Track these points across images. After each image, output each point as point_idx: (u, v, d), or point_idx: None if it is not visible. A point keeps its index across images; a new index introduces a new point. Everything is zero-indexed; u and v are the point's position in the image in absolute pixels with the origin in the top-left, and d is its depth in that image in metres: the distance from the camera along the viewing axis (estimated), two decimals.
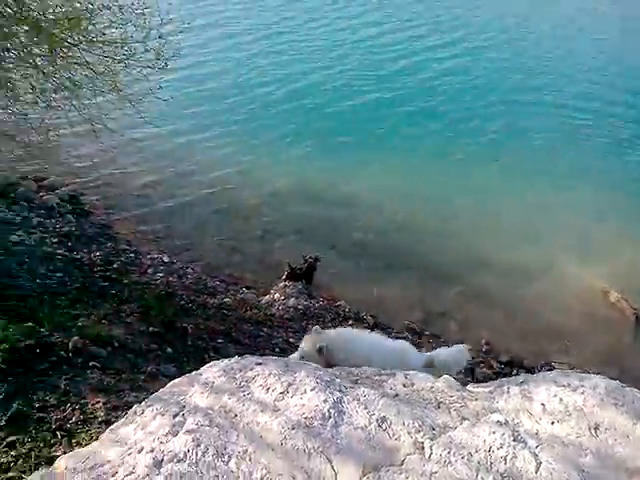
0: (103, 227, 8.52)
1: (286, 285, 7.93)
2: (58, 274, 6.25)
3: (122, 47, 5.61)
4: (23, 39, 5.58)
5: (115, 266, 7.14)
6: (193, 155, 10.71)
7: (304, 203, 9.89)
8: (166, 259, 7.93)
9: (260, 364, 2.83)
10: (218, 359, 4.45)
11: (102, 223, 8.62)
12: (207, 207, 9.54)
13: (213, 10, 17.85)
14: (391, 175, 10.68)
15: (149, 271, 7.46)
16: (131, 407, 3.78)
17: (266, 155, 11.03)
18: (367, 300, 8.03)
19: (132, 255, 7.77)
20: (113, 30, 5.67)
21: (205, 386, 2.61)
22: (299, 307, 7.51)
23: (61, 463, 2.23)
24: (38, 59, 6.06)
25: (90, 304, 5.68)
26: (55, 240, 7.44)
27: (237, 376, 2.71)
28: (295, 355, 3.88)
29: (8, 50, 6.01)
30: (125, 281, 6.73)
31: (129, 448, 2.13)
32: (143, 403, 2.59)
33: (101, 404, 3.75)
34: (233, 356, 5.33)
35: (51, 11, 5.20)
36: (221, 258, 8.56)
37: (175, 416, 2.37)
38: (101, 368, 4.17)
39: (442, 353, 4.30)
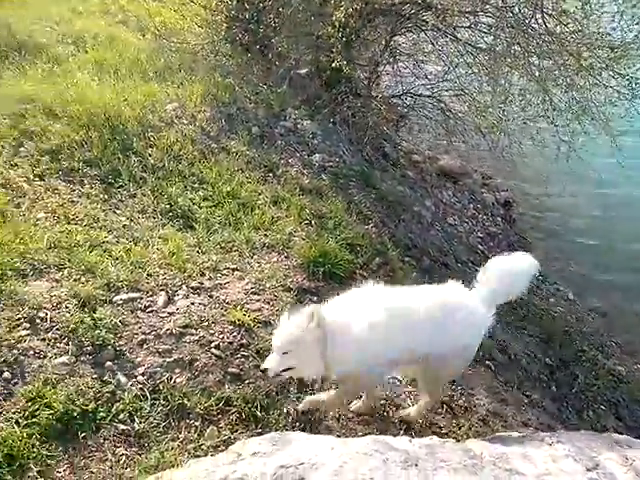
0: (521, 239, 8.73)
1: None
2: (476, 267, 6.80)
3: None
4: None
5: None
6: None
7: None
8: (571, 296, 7.62)
9: None
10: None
11: (522, 236, 8.84)
12: None
13: None
14: None
15: (551, 300, 7.34)
16: (506, 421, 3.98)
17: None
18: None
19: (540, 277, 7.74)
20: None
21: (625, 460, 2.48)
22: None
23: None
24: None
25: None
26: (480, 235, 8.09)
27: None
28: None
29: None
30: (526, 300, 6.81)
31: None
32: (555, 436, 2.65)
33: (485, 402, 4.03)
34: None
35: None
36: (626, 319, 7.65)
37: (589, 470, 2.36)
38: (493, 371, 4.43)
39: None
